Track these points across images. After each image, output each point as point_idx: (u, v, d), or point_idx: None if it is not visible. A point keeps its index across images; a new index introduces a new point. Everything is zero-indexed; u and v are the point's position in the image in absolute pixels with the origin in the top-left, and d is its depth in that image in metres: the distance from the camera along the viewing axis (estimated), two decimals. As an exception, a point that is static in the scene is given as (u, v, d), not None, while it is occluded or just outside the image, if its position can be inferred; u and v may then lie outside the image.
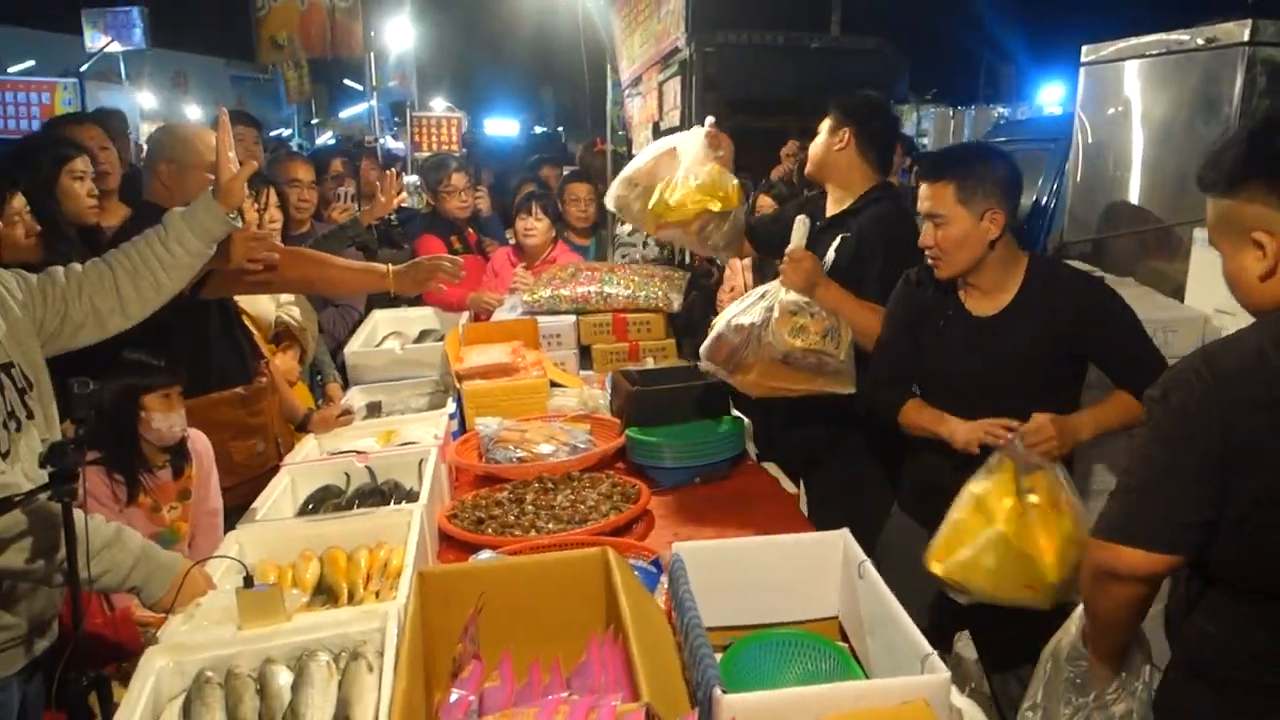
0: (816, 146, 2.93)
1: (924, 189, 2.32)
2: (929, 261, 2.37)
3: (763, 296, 2.69)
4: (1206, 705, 1.59)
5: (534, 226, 4.49)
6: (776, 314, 2.61)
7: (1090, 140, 3.99)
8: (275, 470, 2.69)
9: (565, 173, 6.50)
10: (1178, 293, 3.10)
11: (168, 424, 2.40)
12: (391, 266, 2.92)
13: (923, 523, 2.36)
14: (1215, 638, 1.57)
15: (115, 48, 13.61)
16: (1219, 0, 3.88)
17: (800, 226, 2.73)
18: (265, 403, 2.84)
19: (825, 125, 2.91)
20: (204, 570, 1.95)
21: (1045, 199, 5.27)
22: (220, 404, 2.71)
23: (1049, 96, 14.37)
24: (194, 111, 22.91)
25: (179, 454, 2.48)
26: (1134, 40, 3.69)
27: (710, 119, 3.07)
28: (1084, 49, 3.99)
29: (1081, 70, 4.02)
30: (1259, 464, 1.44)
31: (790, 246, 2.69)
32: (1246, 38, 3.15)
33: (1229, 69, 3.21)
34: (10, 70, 17.69)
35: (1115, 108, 3.81)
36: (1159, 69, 3.57)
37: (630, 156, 9.65)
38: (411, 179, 7.57)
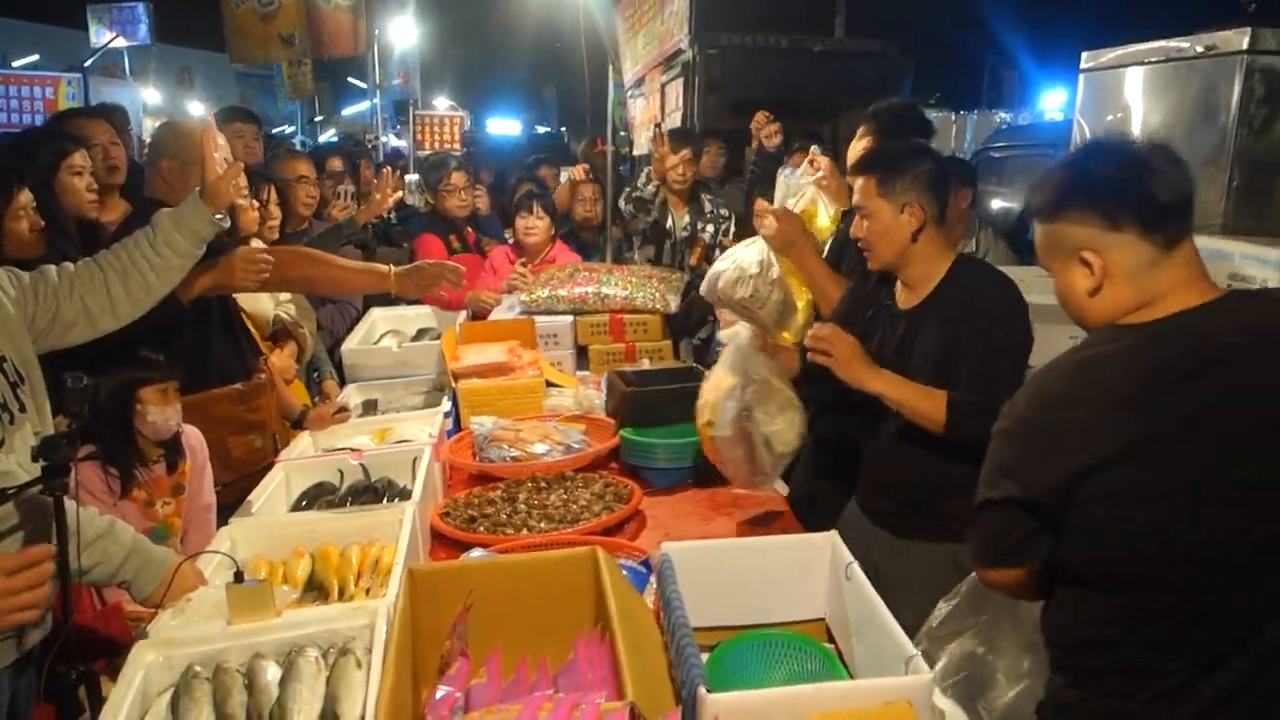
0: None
1: (857, 182, 2.40)
2: (866, 256, 2.44)
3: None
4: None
5: (535, 225, 4.50)
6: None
7: (1089, 146, 4.00)
8: (273, 467, 2.70)
9: (561, 171, 6.51)
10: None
11: (163, 418, 2.40)
12: (393, 268, 2.93)
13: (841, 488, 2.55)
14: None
15: (120, 43, 13.63)
16: (1219, 9, 3.88)
17: (783, 183, 2.87)
18: (264, 399, 2.85)
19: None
20: (195, 566, 1.95)
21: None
22: (219, 400, 2.72)
23: (1052, 102, 14.35)
24: (198, 107, 22.92)
25: (173, 449, 2.49)
26: (1133, 47, 3.70)
27: None
28: (1084, 55, 4.00)
29: (1081, 76, 4.03)
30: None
31: (775, 203, 2.82)
32: (1245, 46, 3.15)
33: (1227, 77, 3.22)
34: (15, 65, 17.75)
35: (1114, 114, 3.82)
36: (1158, 76, 3.57)
37: (632, 157, 9.68)
38: (412, 177, 7.58)
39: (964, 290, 2.34)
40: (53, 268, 2.11)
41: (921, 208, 2.32)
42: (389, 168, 4.53)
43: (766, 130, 4.60)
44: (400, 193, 4.45)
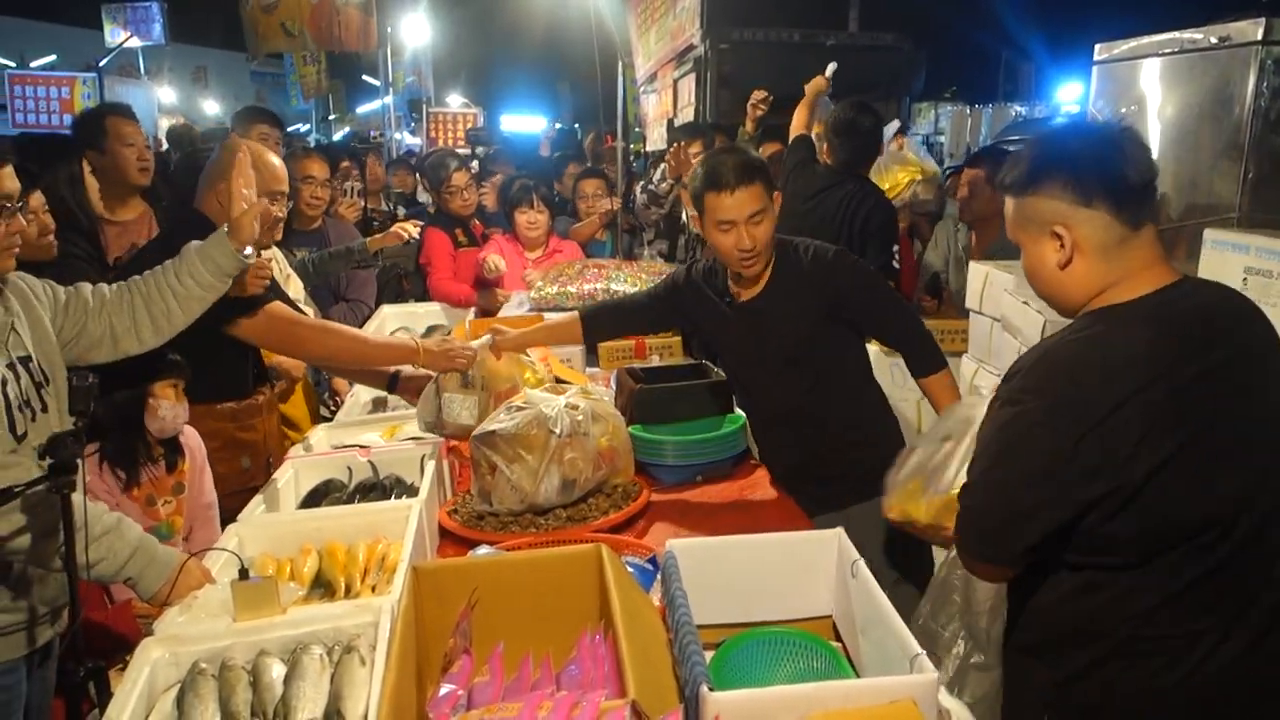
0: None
1: (740, 194, 2.44)
2: (746, 263, 2.52)
3: None
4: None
5: (536, 219, 4.51)
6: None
7: (1102, 139, 3.96)
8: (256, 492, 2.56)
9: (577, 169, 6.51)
10: (1188, 293, 3.07)
11: (173, 414, 2.41)
12: (423, 343, 2.81)
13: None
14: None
15: (135, 42, 13.72)
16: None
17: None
18: (259, 419, 2.80)
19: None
20: (201, 564, 1.96)
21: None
22: (209, 415, 2.67)
23: (1067, 95, 14.27)
24: (213, 106, 23.06)
25: (172, 449, 2.50)
26: (1147, 39, 3.66)
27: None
28: (1097, 47, 3.95)
29: (1095, 68, 3.98)
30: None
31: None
32: (1260, 36, 3.11)
33: (1242, 68, 3.18)
34: (33, 65, 17.88)
35: (1128, 106, 3.78)
36: (1172, 68, 3.53)
37: (645, 153, 9.67)
38: None
39: (800, 267, 2.57)
40: (88, 286, 2.16)
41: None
42: (411, 221, 4.49)
43: (754, 112, 4.70)
44: (413, 235, 4.43)
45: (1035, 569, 1.63)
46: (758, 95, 4.78)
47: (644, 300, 2.96)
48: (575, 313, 3.02)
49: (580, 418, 2.42)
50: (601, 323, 3.00)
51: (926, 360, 2.64)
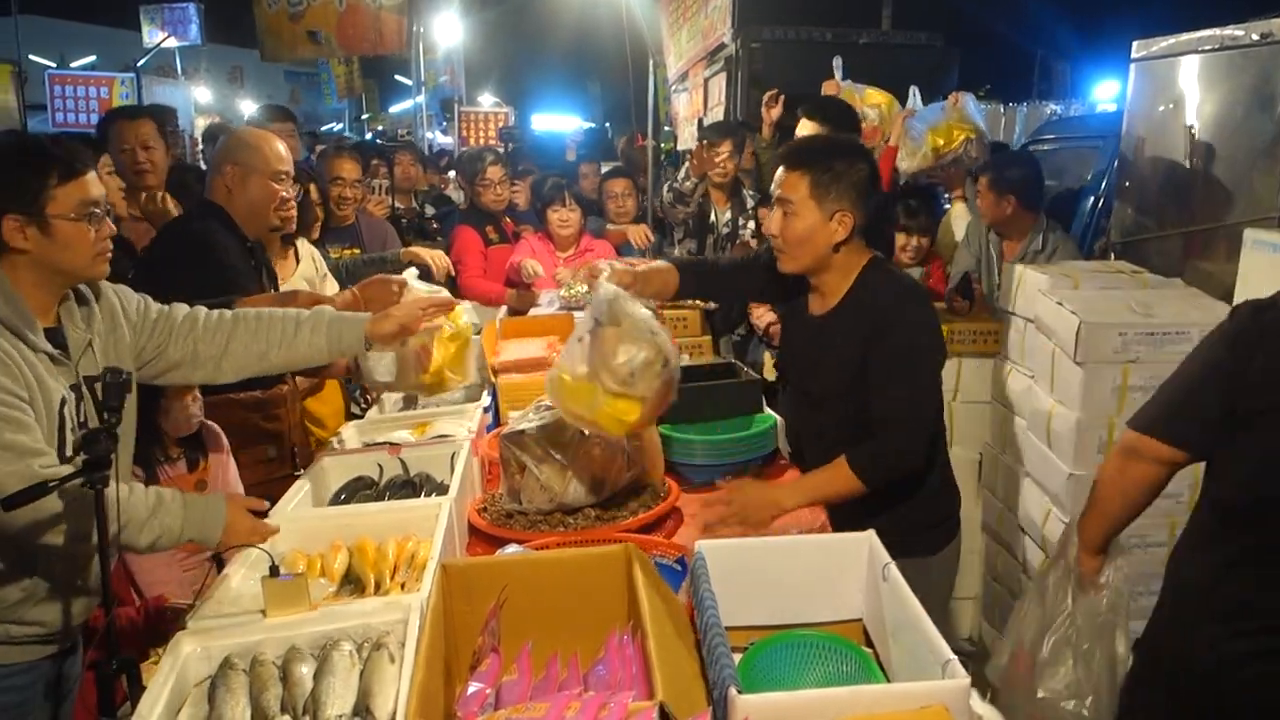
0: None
1: (781, 174, 2.30)
2: (777, 254, 2.36)
3: None
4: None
5: (568, 217, 4.53)
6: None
7: (1140, 137, 3.90)
8: (289, 480, 2.59)
9: (601, 167, 6.52)
10: (1226, 295, 3.01)
11: (185, 414, 2.42)
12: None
13: None
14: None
15: (171, 43, 13.91)
16: (1276, -4, 3.77)
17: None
18: (284, 409, 2.83)
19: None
20: (242, 510, 1.99)
21: (1094, 197, 5.16)
22: (234, 405, 2.70)
23: (1104, 93, 14.08)
24: (249, 106, 23.28)
25: (194, 447, 2.51)
26: (1186, 36, 3.60)
27: None
28: (1134, 44, 3.90)
29: (1132, 66, 3.93)
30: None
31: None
32: (1303, 33, 3.05)
33: (1284, 65, 3.12)
34: (73, 65, 18.16)
35: (1166, 104, 3.72)
36: (1211, 65, 3.47)
37: (676, 152, 9.66)
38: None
39: (870, 298, 2.31)
40: (183, 308, 2.17)
41: (854, 218, 2.25)
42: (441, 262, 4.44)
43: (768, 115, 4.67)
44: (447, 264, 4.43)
45: None
46: (768, 95, 4.74)
47: (746, 263, 2.71)
48: (668, 263, 2.69)
49: None
50: (693, 277, 2.68)
51: (865, 455, 2.26)
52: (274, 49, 10.49)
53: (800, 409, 2.68)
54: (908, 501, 2.39)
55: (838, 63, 4.53)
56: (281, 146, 2.80)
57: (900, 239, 4.24)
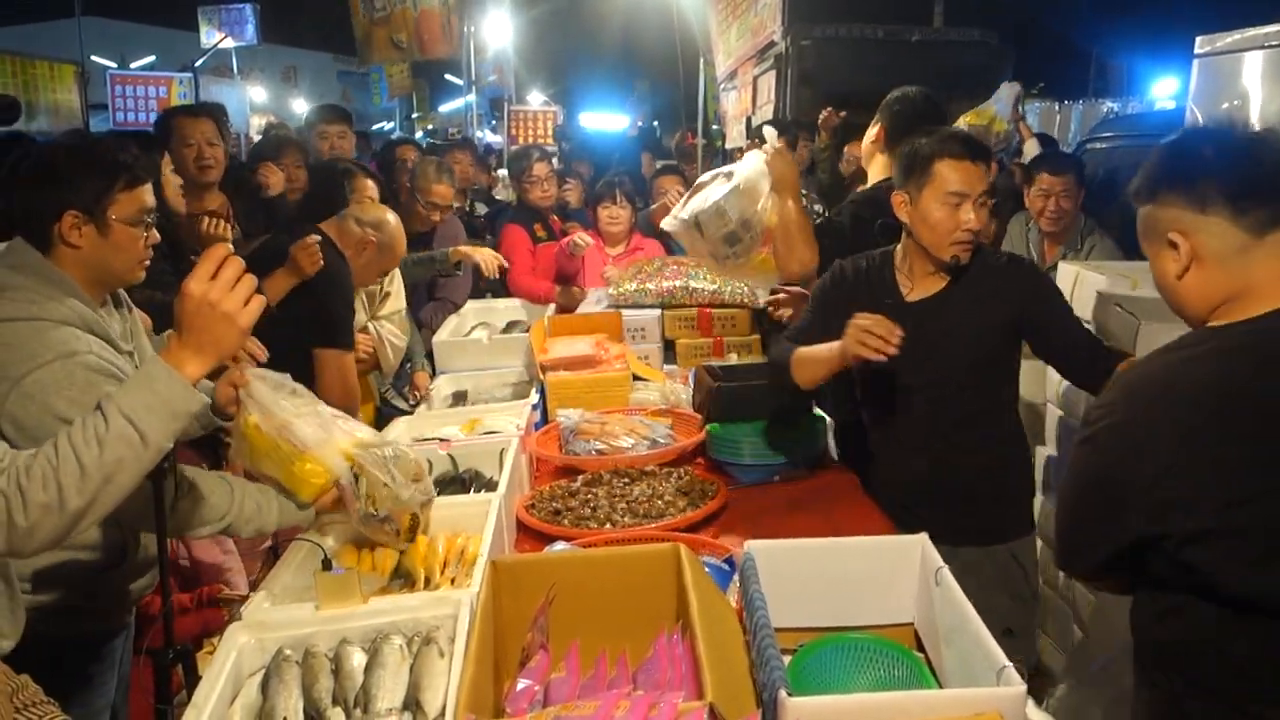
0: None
1: (979, 167, 2.32)
2: (964, 246, 2.34)
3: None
4: None
5: (618, 214, 4.52)
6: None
7: (1203, 136, 3.82)
8: None
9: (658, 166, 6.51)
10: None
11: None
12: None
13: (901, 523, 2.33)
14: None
15: (228, 43, 14.14)
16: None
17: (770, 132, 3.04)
18: None
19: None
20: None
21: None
22: None
23: (1162, 90, 13.77)
24: (302, 105, 23.63)
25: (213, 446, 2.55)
26: (1251, 31, 3.51)
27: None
28: (1198, 40, 3.81)
29: (1195, 62, 3.84)
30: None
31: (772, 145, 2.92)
32: (1375, 27, 2.97)
33: (1355, 60, 3.03)
34: (133, 66, 18.57)
35: (1231, 101, 3.63)
36: (1278, 61, 3.39)
37: (725, 150, 9.64)
38: (504, 172, 7.69)
39: (990, 274, 2.39)
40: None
41: None
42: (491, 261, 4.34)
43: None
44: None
45: None
46: (827, 111, 4.73)
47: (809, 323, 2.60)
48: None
49: None
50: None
51: (1096, 364, 2.28)
52: (366, 55, 11.21)
53: (887, 410, 2.51)
54: (994, 490, 2.50)
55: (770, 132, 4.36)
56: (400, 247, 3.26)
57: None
